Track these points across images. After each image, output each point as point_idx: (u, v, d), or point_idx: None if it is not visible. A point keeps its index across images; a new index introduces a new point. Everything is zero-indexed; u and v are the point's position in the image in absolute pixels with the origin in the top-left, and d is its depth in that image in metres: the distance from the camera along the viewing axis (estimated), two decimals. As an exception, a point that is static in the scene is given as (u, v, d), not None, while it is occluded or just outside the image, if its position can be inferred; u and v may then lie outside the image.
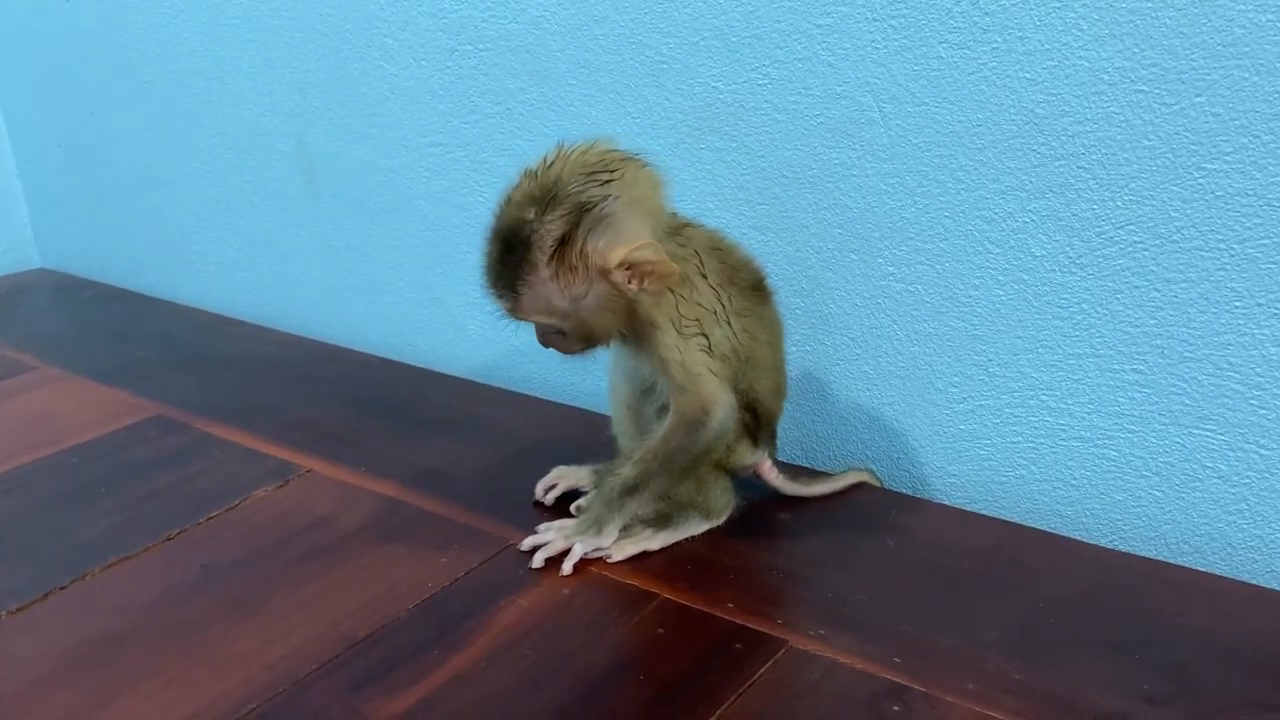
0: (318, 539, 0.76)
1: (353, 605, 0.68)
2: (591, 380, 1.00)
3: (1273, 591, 0.66)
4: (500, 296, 0.66)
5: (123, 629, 0.67)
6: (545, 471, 0.80)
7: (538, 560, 0.70)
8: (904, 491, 0.81)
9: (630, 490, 0.69)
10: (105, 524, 0.80)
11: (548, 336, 0.69)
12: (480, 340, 1.08)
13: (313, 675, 0.62)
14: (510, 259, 0.64)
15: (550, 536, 0.72)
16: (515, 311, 0.66)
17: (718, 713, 0.56)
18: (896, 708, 0.56)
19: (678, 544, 0.72)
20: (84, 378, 1.11)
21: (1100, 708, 0.55)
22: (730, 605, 0.66)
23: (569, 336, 0.67)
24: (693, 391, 0.68)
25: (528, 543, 0.72)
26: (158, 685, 0.61)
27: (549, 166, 0.65)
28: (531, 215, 0.63)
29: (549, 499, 0.78)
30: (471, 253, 1.03)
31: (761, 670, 0.59)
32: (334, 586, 0.70)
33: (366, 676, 0.61)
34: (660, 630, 0.64)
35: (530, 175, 0.65)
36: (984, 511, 0.78)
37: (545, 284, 0.64)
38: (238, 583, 0.72)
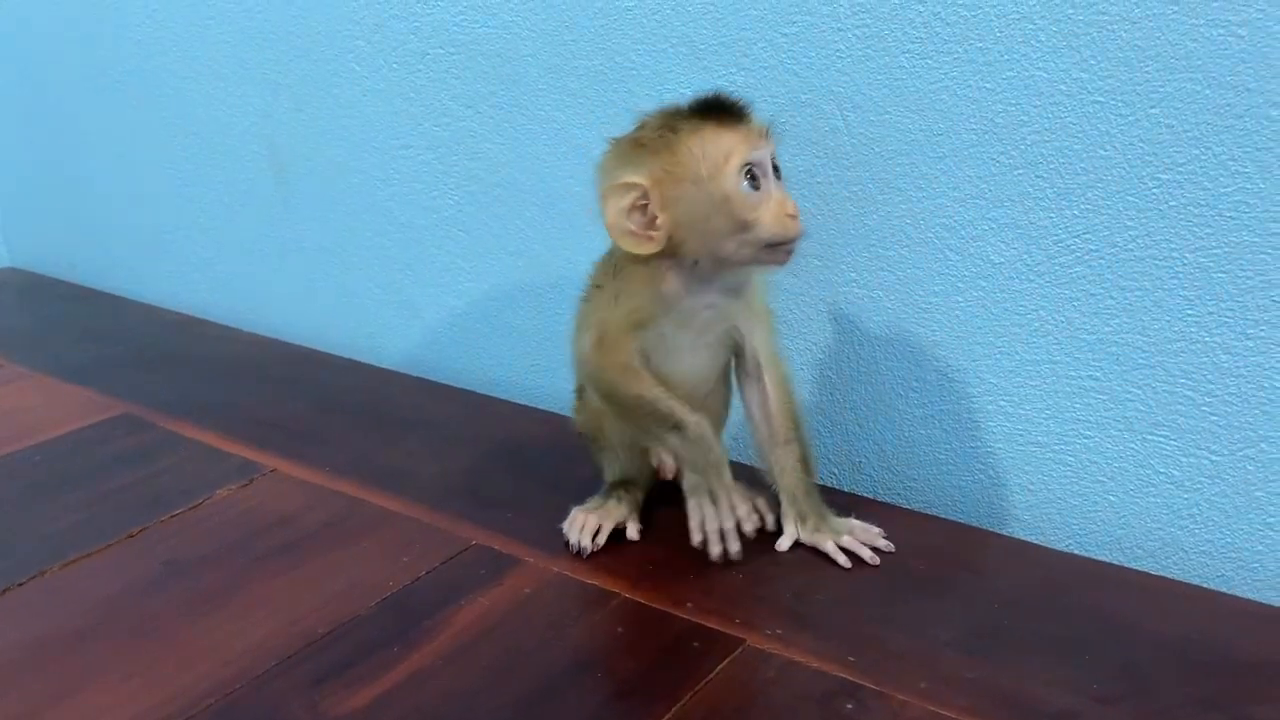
0: (280, 537, 0.76)
1: (314, 603, 0.68)
2: (557, 382, 1.01)
3: (1222, 594, 0.67)
4: (752, 116, 0.65)
5: (82, 625, 0.67)
6: (510, 473, 0.80)
7: (749, 529, 0.69)
8: (865, 495, 0.82)
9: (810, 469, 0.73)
10: (67, 521, 0.80)
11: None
12: (448, 343, 1.08)
13: (272, 671, 0.62)
14: (729, 98, 0.65)
15: (729, 517, 0.69)
16: (764, 131, 0.65)
17: (673, 710, 0.57)
18: (850, 705, 0.57)
19: (638, 544, 0.73)
20: (50, 376, 1.10)
21: (1050, 706, 0.56)
22: (690, 605, 0.66)
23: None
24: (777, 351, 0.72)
25: (715, 552, 0.69)
26: (115, 680, 0.62)
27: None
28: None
29: (598, 543, 0.73)
30: (441, 255, 1.04)
31: (718, 668, 0.60)
32: (295, 584, 0.71)
33: (325, 673, 0.61)
34: (620, 629, 0.64)
35: (643, 115, 0.67)
36: (944, 515, 0.79)
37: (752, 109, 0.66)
38: (199, 580, 0.72)
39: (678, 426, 0.68)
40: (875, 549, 0.71)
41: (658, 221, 0.64)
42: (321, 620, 0.66)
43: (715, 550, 0.69)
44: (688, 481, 0.70)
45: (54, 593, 0.71)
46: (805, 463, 0.72)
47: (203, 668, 0.62)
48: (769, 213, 0.63)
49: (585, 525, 0.73)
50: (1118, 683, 0.58)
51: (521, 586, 0.69)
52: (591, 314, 0.70)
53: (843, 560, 0.70)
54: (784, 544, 0.72)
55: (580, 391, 0.76)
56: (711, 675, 0.59)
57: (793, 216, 0.63)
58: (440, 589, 0.69)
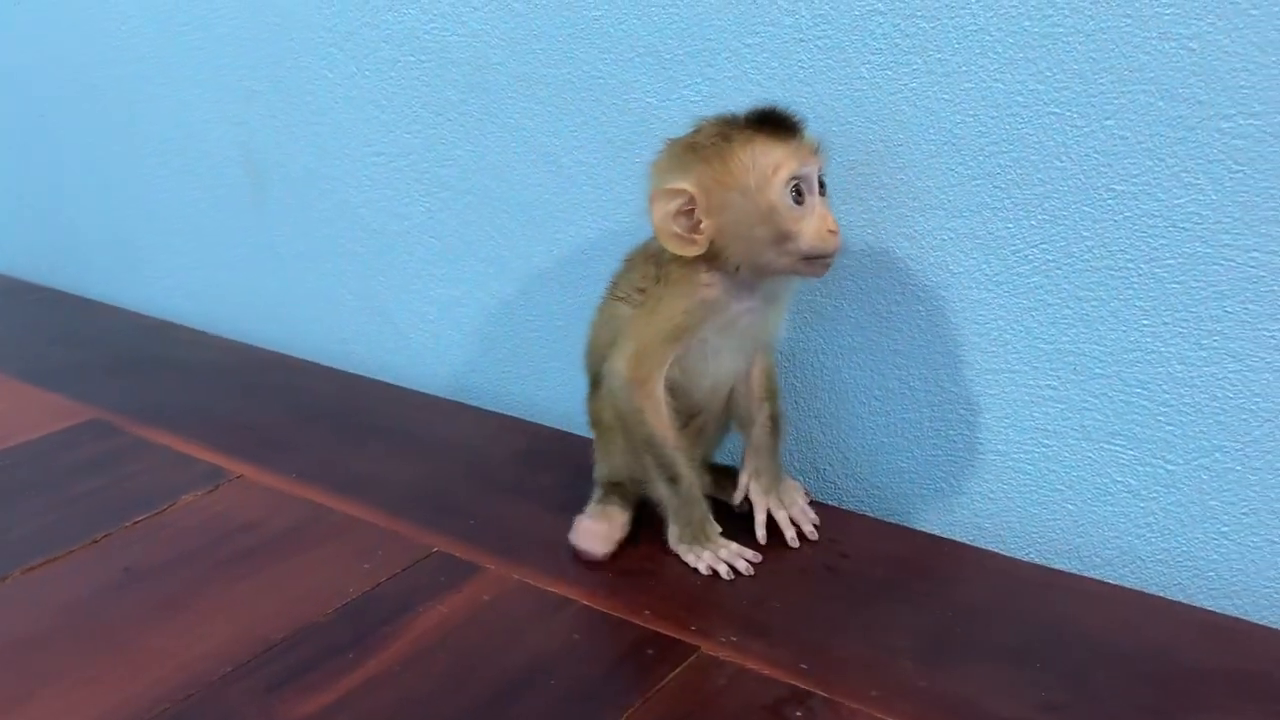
0: (243, 543, 0.76)
1: (273, 609, 0.68)
2: (528, 389, 1.01)
3: (1176, 603, 0.68)
4: (804, 132, 0.67)
5: (39, 630, 0.67)
6: (477, 480, 0.81)
7: (742, 567, 0.71)
8: (829, 503, 0.82)
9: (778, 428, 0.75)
10: (31, 526, 0.80)
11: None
12: (421, 349, 1.08)
13: (228, 677, 0.62)
14: (780, 110, 0.67)
15: (726, 555, 0.71)
16: (815, 148, 0.67)
17: (623, 716, 0.57)
18: (799, 713, 0.57)
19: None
20: (22, 381, 1.10)
21: (996, 714, 0.57)
22: (647, 612, 0.67)
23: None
24: None
25: (723, 571, 0.71)
26: (70, 685, 0.62)
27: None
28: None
29: (608, 550, 0.74)
30: (412, 261, 1.05)
31: (670, 676, 0.60)
32: (255, 590, 0.71)
33: (281, 678, 0.61)
34: (576, 636, 0.65)
35: (701, 120, 0.69)
36: (905, 523, 0.79)
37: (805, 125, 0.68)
38: (159, 586, 0.72)
39: (674, 479, 0.71)
40: (801, 533, 0.74)
41: (702, 226, 0.66)
42: (279, 626, 0.66)
43: (725, 574, 0.71)
44: (674, 534, 0.72)
45: (13, 599, 0.71)
46: (774, 420, 0.74)
47: (158, 673, 0.62)
48: (810, 226, 0.65)
49: (595, 533, 0.73)
50: (1065, 691, 0.58)
51: (481, 594, 0.69)
52: (629, 326, 0.71)
53: (761, 535, 0.73)
54: (737, 497, 0.75)
55: (596, 380, 0.76)
56: (663, 682, 0.60)
57: (833, 232, 0.65)
58: (399, 596, 0.69)
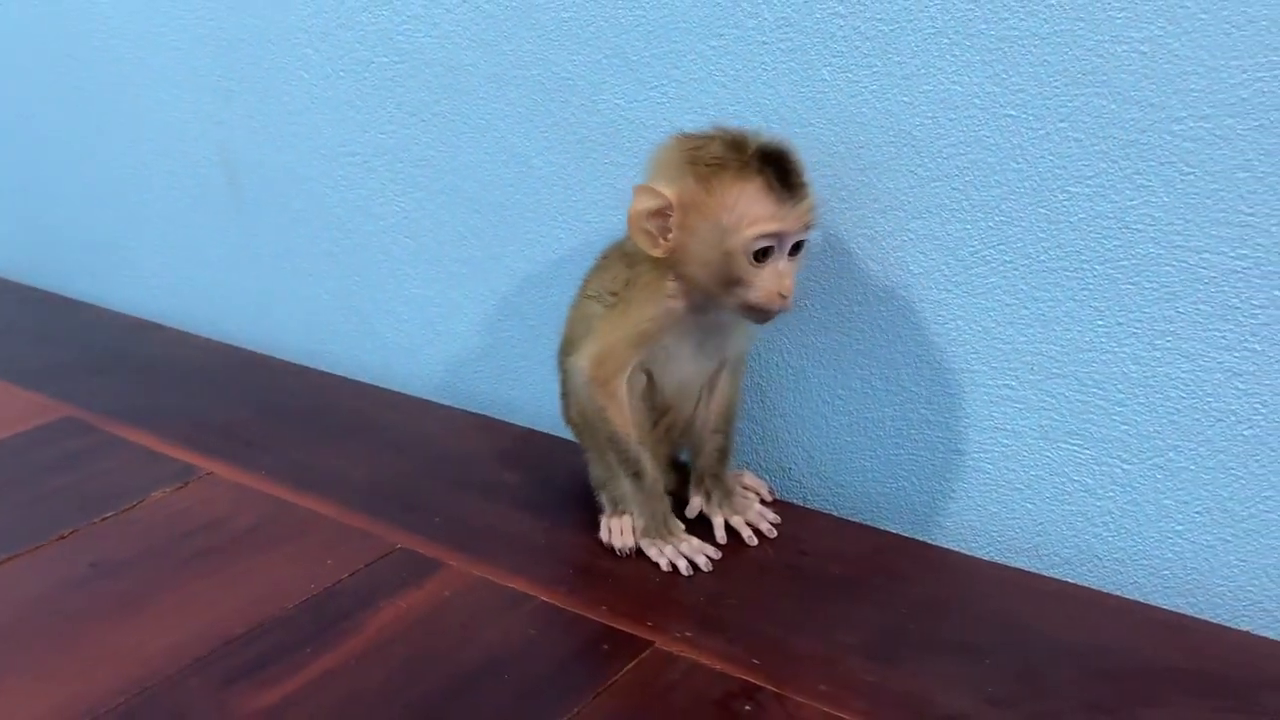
0: (208, 540, 0.77)
1: (234, 604, 0.69)
2: (500, 389, 1.02)
3: (1129, 601, 0.68)
4: (801, 196, 0.65)
5: (1, 625, 0.68)
6: (444, 478, 0.81)
7: (702, 562, 0.72)
8: (794, 501, 0.83)
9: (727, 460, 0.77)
10: (-1, 522, 0.80)
11: (793, 270, 0.67)
12: (396, 349, 1.09)
13: (185, 671, 0.62)
14: (792, 162, 0.65)
15: (687, 550, 0.72)
16: (807, 212, 0.65)
17: (574, 712, 0.58)
18: (748, 707, 0.58)
19: (560, 549, 0.74)
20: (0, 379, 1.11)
21: (944, 709, 0.57)
22: (604, 608, 0.67)
23: (806, 248, 0.68)
24: None
25: (683, 566, 0.72)
26: (29, 680, 0.62)
27: (697, 132, 0.68)
28: (765, 134, 0.66)
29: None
30: (387, 262, 1.05)
31: (623, 670, 0.61)
32: (218, 586, 0.71)
33: (238, 672, 0.62)
34: (532, 631, 0.65)
35: (699, 134, 0.67)
36: (870, 522, 0.80)
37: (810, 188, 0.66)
38: (123, 581, 0.72)
39: (637, 475, 0.72)
40: (758, 531, 0.75)
41: (669, 236, 0.66)
42: (239, 621, 0.67)
43: (684, 570, 0.71)
44: (638, 524, 0.73)
45: (-22, 593, 0.72)
46: (723, 453, 0.77)
47: (118, 667, 0.63)
48: (763, 285, 0.65)
49: (624, 529, 0.74)
50: (1013, 686, 0.59)
51: (441, 590, 0.70)
52: (597, 325, 0.72)
53: (720, 536, 0.74)
54: (692, 511, 0.77)
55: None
56: (616, 677, 0.60)
57: (784, 296, 0.65)
58: (361, 592, 0.70)
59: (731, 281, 0.65)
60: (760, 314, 0.67)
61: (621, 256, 0.73)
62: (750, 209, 0.64)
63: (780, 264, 0.65)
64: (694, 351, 0.72)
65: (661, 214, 0.66)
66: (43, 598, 0.71)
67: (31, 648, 0.65)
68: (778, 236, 0.64)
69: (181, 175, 1.23)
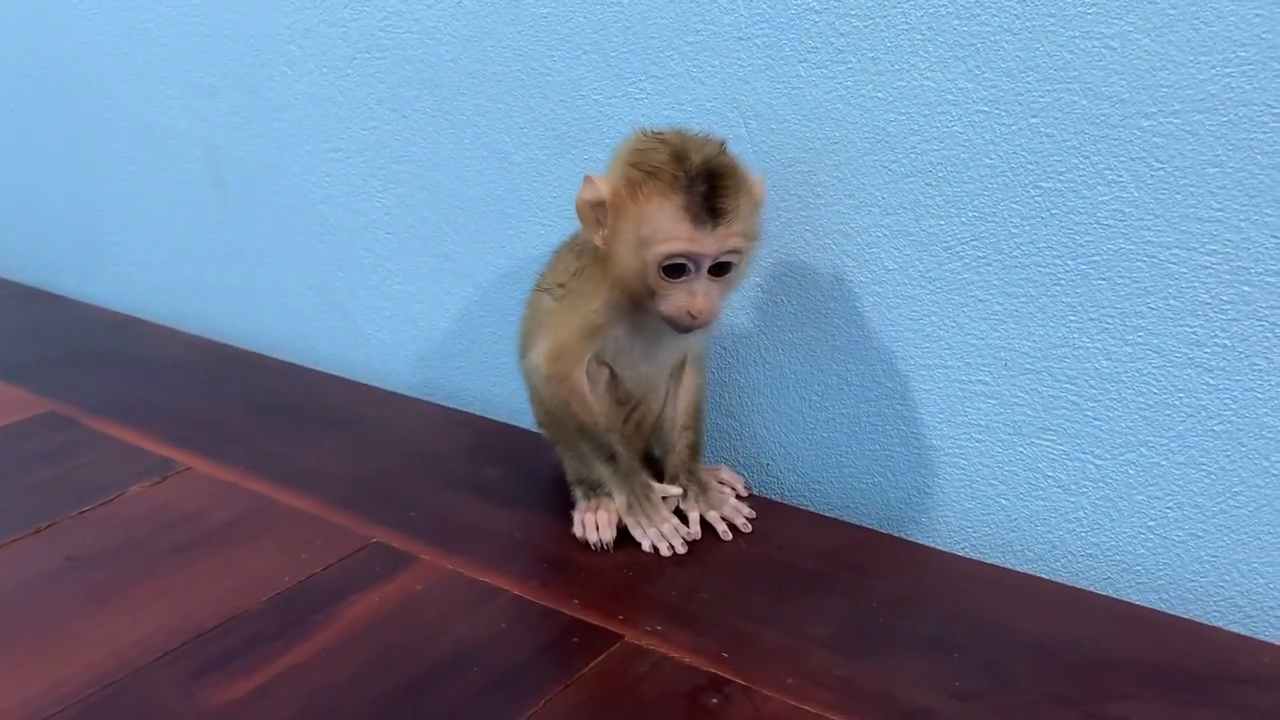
0: (185, 533, 0.77)
1: (207, 597, 0.69)
2: (480, 385, 1.02)
3: (1100, 596, 0.69)
4: (722, 221, 0.64)
5: (-26, 617, 0.68)
6: (421, 473, 0.81)
7: (678, 544, 0.72)
8: (771, 497, 0.83)
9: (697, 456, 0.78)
10: (-24, 516, 0.80)
11: (715, 290, 0.66)
12: (378, 345, 1.09)
13: (156, 663, 0.63)
14: (725, 185, 0.64)
15: (668, 531, 0.73)
16: (727, 237, 0.64)
17: (541, 704, 0.58)
18: (715, 700, 0.58)
19: (535, 543, 0.74)
20: (-17, 374, 1.11)
21: (909, 702, 0.57)
22: (576, 601, 0.67)
23: (735, 270, 0.67)
24: None
25: (664, 548, 0.72)
26: (2, 669, 0.62)
27: (660, 132, 0.68)
28: (718, 150, 0.66)
29: (613, 534, 0.73)
30: (369, 257, 1.05)
31: (592, 663, 0.61)
32: (193, 579, 0.71)
33: (208, 665, 0.62)
34: (503, 624, 0.65)
35: (660, 134, 0.67)
36: (846, 518, 0.80)
37: (748, 206, 0.65)
38: (99, 574, 0.72)
39: (611, 458, 0.73)
40: (733, 526, 0.75)
41: (604, 232, 0.67)
42: (212, 614, 0.67)
43: (665, 551, 0.72)
44: (620, 503, 0.74)
45: (-47, 586, 0.72)
46: (694, 449, 0.77)
47: (89, 659, 0.63)
48: (674, 300, 0.65)
49: (598, 523, 0.74)
50: (979, 680, 0.59)
51: (414, 583, 0.70)
52: (547, 320, 0.73)
53: (695, 531, 0.74)
54: (668, 504, 0.76)
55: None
56: (585, 670, 0.60)
57: (693, 315, 0.65)
58: (334, 585, 0.70)
59: (646, 291, 0.66)
60: (674, 326, 0.67)
61: (572, 247, 0.74)
62: (665, 226, 0.64)
63: (696, 283, 0.65)
64: (649, 346, 0.73)
65: (602, 207, 0.67)
66: (18, 589, 0.71)
67: (6, 641, 0.65)
68: (688, 257, 0.64)
69: (166, 171, 1.23)
